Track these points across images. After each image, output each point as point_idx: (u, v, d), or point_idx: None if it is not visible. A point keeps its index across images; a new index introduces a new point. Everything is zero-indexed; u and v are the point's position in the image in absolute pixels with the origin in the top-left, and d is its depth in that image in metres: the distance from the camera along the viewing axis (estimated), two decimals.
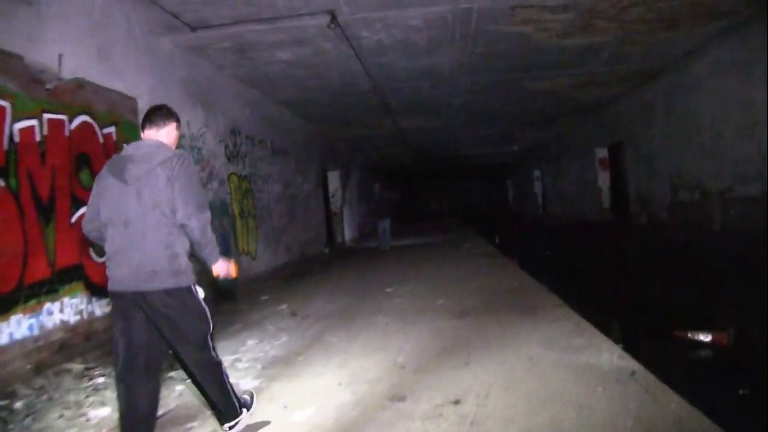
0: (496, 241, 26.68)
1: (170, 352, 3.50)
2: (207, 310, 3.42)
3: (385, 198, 19.02)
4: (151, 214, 3.20)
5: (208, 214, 3.36)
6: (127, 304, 3.24)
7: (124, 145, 3.63)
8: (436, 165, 36.21)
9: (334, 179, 21.04)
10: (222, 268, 3.46)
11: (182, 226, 3.26)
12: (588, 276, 14.93)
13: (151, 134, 3.45)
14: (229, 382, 3.52)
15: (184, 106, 8.56)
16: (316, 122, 16.46)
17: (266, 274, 11.66)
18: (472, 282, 9.10)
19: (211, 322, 3.44)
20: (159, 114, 3.49)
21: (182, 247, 3.30)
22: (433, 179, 49.77)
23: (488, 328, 5.97)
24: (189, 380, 3.78)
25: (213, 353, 3.43)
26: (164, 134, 3.48)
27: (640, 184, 15.49)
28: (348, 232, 21.97)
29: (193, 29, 7.59)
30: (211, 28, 7.79)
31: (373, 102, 14.11)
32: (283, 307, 8.22)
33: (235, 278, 3.66)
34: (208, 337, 3.42)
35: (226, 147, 10.35)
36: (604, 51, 10.72)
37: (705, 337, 7.00)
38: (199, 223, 3.26)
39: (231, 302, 8.72)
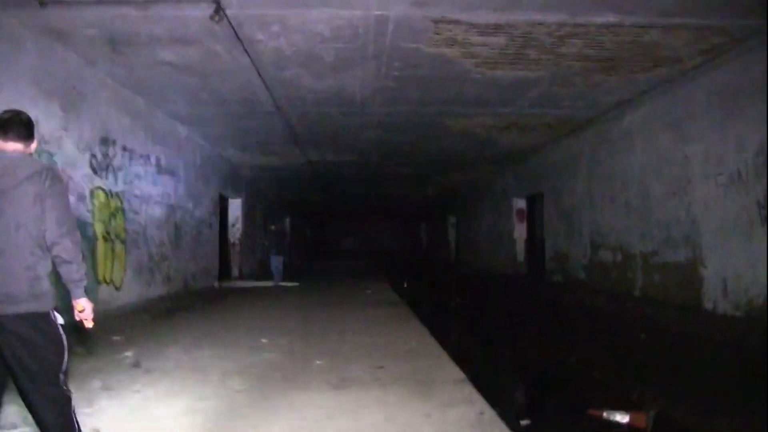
0: (405, 286, 25.72)
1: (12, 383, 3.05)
2: (64, 338, 3.10)
3: (278, 232, 17.62)
4: (13, 234, 2.94)
5: (79, 234, 3.17)
6: None
7: None
8: (349, 204, 35.15)
9: (235, 208, 19.53)
10: (87, 306, 3.15)
11: (52, 247, 3.01)
12: (497, 334, 14.02)
13: (10, 144, 3.07)
14: (77, 421, 3.11)
15: (32, 99, 7.07)
16: (215, 143, 15.04)
17: (134, 307, 10.05)
18: (363, 337, 7.84)
19: (66, 352, 3.11)
20: (22, 123, 3.13)
21: (45, 269, 3.04)
22: (347, 218, 48.71)
23: (368, 411, 4.56)
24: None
25: (64, 387, 3.07)
26: (28, 146, 3.17)
27: (558, 240, 14.88)
28: (248, 266, 20.34)
29: (42, 4, 6.15)
30: (66, 6, 6.39)
31: (277, 127, 12.88)
32: (129, 354, 6.67)
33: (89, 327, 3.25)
34: (62, 369, 3.08)
35: (93, 156, 8.80)
36: (535, 89, 10.00)
37: (622, 418, 6.05)
38: (73, 244, 3.06)
39: (78, 343, 7.12)
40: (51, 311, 3.06)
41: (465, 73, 9.04)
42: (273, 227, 17.68)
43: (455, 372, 5.99)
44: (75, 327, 7.36)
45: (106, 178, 9.27)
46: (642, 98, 10.29)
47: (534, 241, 18.16)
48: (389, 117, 12.16)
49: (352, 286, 16.85)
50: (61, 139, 7.78)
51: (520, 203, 19.01)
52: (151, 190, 11.17)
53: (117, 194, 9.69)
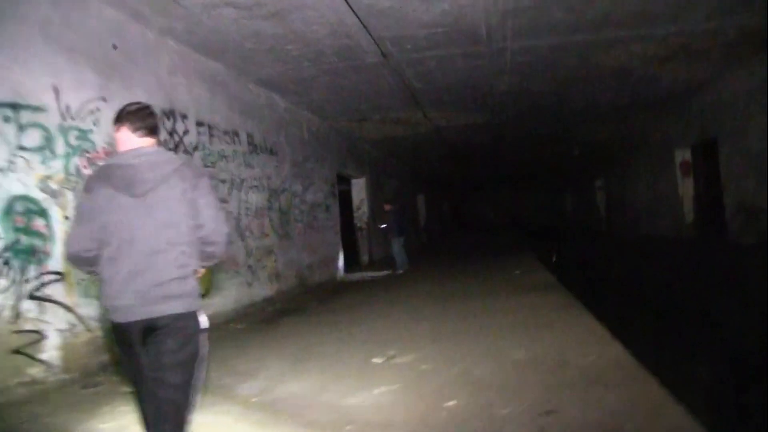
0: (554, 260, 22.77)
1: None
2: (206, 343, 2.92)
3: (394, 211, 15.13)
4: (163, 232, 2.79)
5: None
6: (134, 335, 2.77)
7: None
8: (485, 174, 32.44)
9: (359, 188, 17.64)
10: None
11: (208, 243, 2.93)
12: (678, 315, 11.02)
13: (144, 139, 2.89)
14: None
15: (48, 59, 5.34)
16: (323, 114, 13.09)
17: (229, 315, 8.33)
18: (516, 349, 5.37)
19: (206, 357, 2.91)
20: (150, 114, 2.96)
21: (194, 266, 2.89)
22: (484, 190, 45.90)
23: None
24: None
25: (194, 394, 2.85)
26: (158, 139, 3.02)
27: (746, 192, 11.55)
28: (379, 251, 18.32)
29: None
30: None
31: (390, 84, 10.66)
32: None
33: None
34: (199, 373, 2.87)
35: None
36: None
37: None
38: (227, 237, 3.04)
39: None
40: (198, 310, 2.89)
41: None
42: (388, 207, 15.24)
43: (670, 406, 3.49)
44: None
45: None
46: None
47: (705, 198, 14.74)
48: (525, 56, 9.52)
49: (495, 264, 14.28)
50: (98, 111, 5.99)
51: (685, 154, 15.59)
52: (244, 173, 9.36)
53: None
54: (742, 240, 11.77)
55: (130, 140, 2.87)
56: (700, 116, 13.67)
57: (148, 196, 2.77)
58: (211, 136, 8.40)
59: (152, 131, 2.94)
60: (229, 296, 8.56)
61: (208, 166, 8.21)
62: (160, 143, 2.99)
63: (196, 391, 2.83)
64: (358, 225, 17.49)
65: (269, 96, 10.63)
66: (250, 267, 9.29)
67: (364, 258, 17.35)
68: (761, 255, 10.29)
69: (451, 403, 4.11)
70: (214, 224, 2.92)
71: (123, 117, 2.88)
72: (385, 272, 14.52)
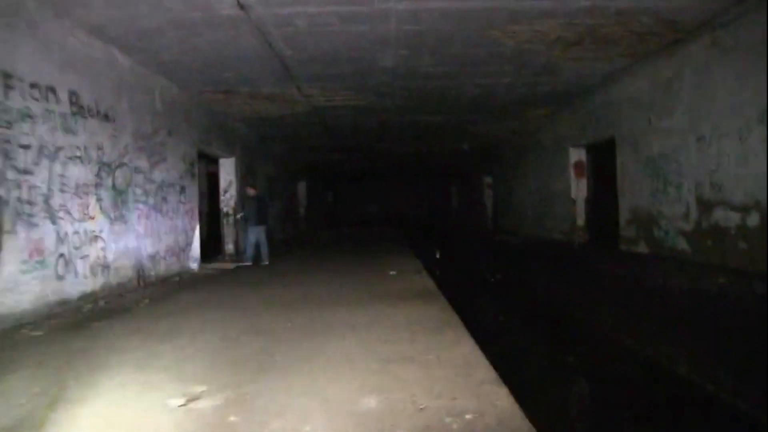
0: (437, 257, 21.99)
1: None
2: None
3: (257, 198, 13.66)
4: None
5: None
6: None
7: None
8: (371, 165, 31.33)
9: (227, 170, 15.90)
10: None
11: None
12: (561, 321, 10.27)
13: None
14: None
15: None
16: (181, 83, 11.29)
17: (25, 318, 6.54)
18: (367, 396, 3.89)
19: None
20: None
21: None
22: (371, 181, 44.92)
23: None
24: None
25: None
26: None
27: (640, 198, 10.99)
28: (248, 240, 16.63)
29: None
30: None
31: (255, 49, 9.12)
32: None
33: None
34: None
35: None
36: None
37: None
38: None
39: None
40: None
41: None
42: (252, 191, 13.66)
43: None
44: None
45: None
46: None
47: (599, 201, 14.25)
48: (413, 23, 8.26)
49: (371, 262, 13.03)
50: None
51: (579, 154, 15.05)
52: (61, 140, 7.51)
53: None
54: (633, 249, 11.19)
55: None
56: (598, 114, 13.04)
57: None
58: (7, 87, 6.51)
59: None
60: (27, 292, 6.74)
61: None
62: None
63: None
64: (225, 210, 15.77)
65: (108, 51, 8.78)
66: (62, 256, 7.46)
67: (229, 247, 15.65)
68: (660, 266, 9.65)
69: None
70: None
71: None
72: (234, 264, 13.13)
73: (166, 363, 4.85)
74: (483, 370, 4.37)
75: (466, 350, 4.94)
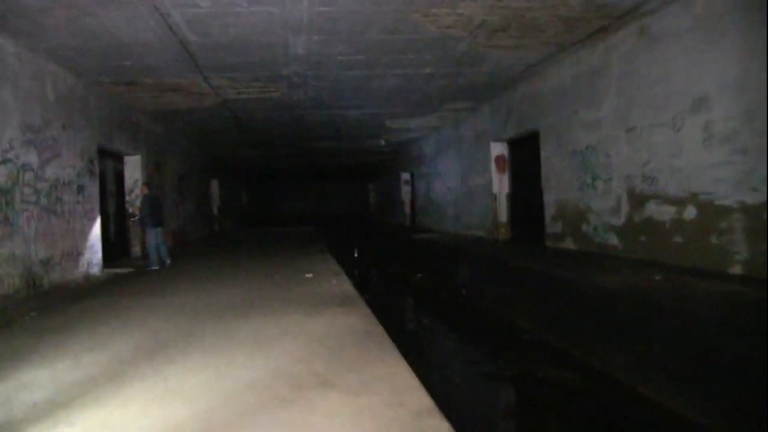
0: (356, 256, 21.60)
1: None
2: None
3: (152, 197, 12.59)
4: None
5: None
6: None
7: None
8: (288, 162, 30.61)
9: (133, 168, 14.90)
10: None
11: None
12: (485, 321, 10.03)
13: None
14: None
15: None
16: (77, 71, 10.33)
17: None
18: (285, 407, 3.45)
19: None
20: None
21: None
22: (288, 179, 44.10)
23: None
24: None
25: None
26: None
27: (567, 192, 10.93)
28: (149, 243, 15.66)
29: None
30: None
31: (153, 31, 8.37)
32: None
33: None
34: None
35: None
36: None
37: None
38: None
39: None
40: None
41: None
42: (145, 190, 12.55)
43: None
44: None
45: None
46: None
47: (522, 197, 14.18)
48: (327, 4, 7.76)
49: (287, 263, 12.40)
50: None
51: (500, 148, 14.96)
52: None
53: None
54: (560, 245, 11.09)
55: None
56: (521, 107, 12.93)
57: None
58: None
59: None
60: None
61: None
62: None
63: None
64: (130, 210, 14.77)
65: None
66: None
67: (136, 250, 14.68)
68: (592, 264, 9.53)
69: None
70: None
71: None
72: (141, 269, 12.21)
73: (38, 397, 4.12)
74: (416, 395, 3.84)
75: (394, 369, 4.42)
